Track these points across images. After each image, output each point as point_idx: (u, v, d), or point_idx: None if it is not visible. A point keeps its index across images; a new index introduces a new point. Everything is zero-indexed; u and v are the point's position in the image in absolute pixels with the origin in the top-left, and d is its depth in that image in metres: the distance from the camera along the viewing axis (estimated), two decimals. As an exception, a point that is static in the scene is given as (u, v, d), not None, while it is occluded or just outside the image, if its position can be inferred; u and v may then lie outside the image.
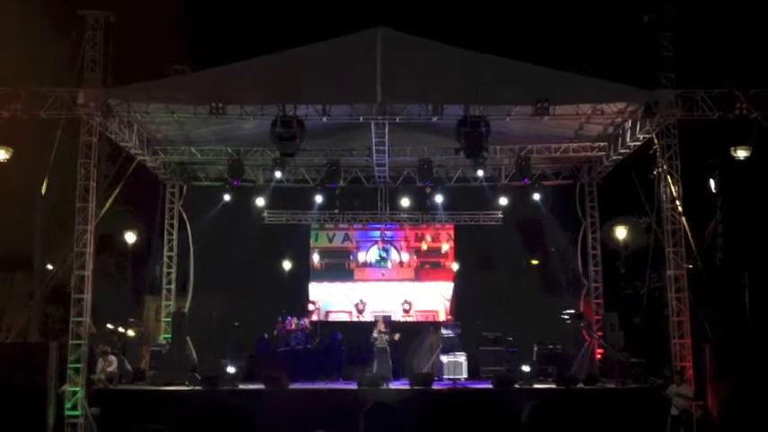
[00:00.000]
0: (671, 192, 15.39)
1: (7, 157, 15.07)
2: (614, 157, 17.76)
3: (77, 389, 14.31)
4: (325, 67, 14.56)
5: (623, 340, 17.89)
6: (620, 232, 22.71)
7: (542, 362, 18.04)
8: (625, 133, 16.63)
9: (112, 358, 16.76)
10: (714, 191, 19.81)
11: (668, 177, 15.39)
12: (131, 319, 21.76)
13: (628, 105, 15.53)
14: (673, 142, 15.43)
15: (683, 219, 15.30)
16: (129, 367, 17.49)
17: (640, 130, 15.75)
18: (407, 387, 15.74)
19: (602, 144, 17.96)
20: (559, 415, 3.67)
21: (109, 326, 20.71)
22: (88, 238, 14.82)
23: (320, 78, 14.52)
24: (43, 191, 15.15)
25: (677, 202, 15.32)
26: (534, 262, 24.91)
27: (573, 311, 20.05)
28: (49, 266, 18.96)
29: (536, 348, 18.47)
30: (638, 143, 16.33)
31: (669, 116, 14.93)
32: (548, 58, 16.22)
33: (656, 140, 15.55)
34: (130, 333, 21.48)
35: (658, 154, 15.56)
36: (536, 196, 19.12)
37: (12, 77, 14.40)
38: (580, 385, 15.85)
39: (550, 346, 18.49)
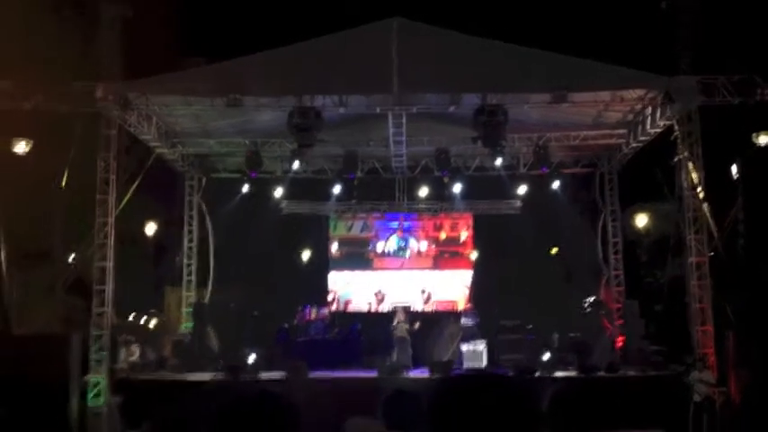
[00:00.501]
0: (692, 178, 15.27)
1: (27, 149, 15.21)
2: (634, 145, 17.63)
3: (100, 378, 14.48)
4: (342, 57, 14.55)
5: (644, 328, 17.80)
6: (641, 220, 22.55)
7: (562, 350, 17.97)
8: (645, 120, 16.49)
9: (135, 348, 16.94)
10: (736, 177, 19.62)
11: (689, 164, 15.27)
12: (153, 310, 21.92)
13: (647, 92, 15.40)
14: (694, 128, 15.31)
15: (705, 205, 15.18)
16: (151, 357, 17.66)
17: (660, 116, 15.60)
18: (427, 375, 15.75)
19: (621, 131, 17.82)
20: (580, 403, 3.66)
21: (131, 317, 20.88)
22: (108, 230, 14.97)
23: (337, 69, 14.52)
24: (63, 183, 15.29)
25: (698, 189, 15.19)
26: (554, 250, 24.81)
27: (593, 299, 19.98)
28: (70, 259, 19.14)
29: (556, 336, 18.42)
30: (659, 130, 16.19)
31: (689, 102, 14.79)
32: (565, 45, 16.09)
33: (676, 127, 15.42)
34: (152, 323, 21.67)
35: (679, 140, 15.44)
36: (555, 184, 19.03)
37: (29, 70, 14.51)
38: (601, 373, 15.81)
39: (570, 335, 18.43)
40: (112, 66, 14.59)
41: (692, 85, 14.57)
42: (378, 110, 15.55)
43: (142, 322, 21.33)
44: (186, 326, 19.49)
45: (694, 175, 15.19)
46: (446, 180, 19.68)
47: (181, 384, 15.25)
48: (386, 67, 13.97)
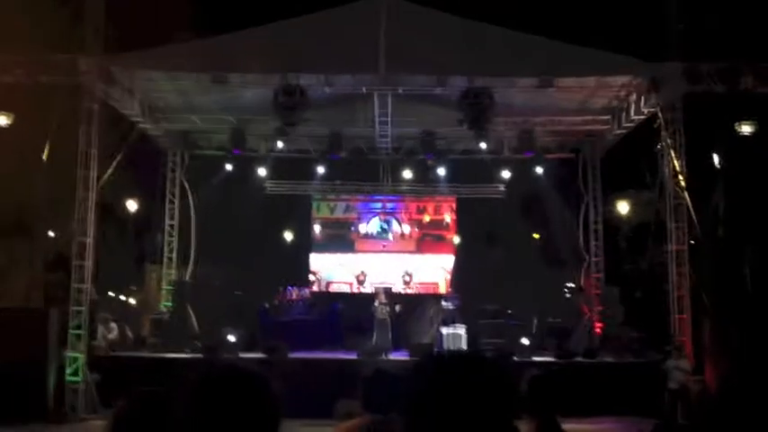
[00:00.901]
0: (674, 166, 15.33)
1: (8, 122, 15.02)
2: (618, 131, 17.69)
3: (79, 355, 14.41)
4: (329, 36, 14.45)
5: (623, 314, 17.94)
6: (623, 207, 22.67)
7: (542, 335, 18.10)
8: (630, 107, 16.54)
9: (113, 325, 16.86)
10: (717, 166, 19.74)
11: (672, 152, 15.32)
12: (133, 288, 21.84)
13: (633, 79, 15.43)
14: (677, 116, 15.35)
15: (686, 194, 15.26)
16: (130, 334, 17.60)
17: (645, 103, 15.66)
18: (407, 358, 15.80)
19: (606, 117, 17.87)
20: (557, 387, 3.68)
21: (110, 293, 20.77)
22: (89, 205, 14.83)
23: (323, 48, 14.42)
24: (44, 157, 15.12)
25: (680, 177, 15.26)
26: (536, 235, 24.89)
27: (573, 285, 20.10)
28: (51, 233, 18.99)
29: (536, 321, 18.53)
30: (643, 117, 16.24)
31: (674, 90, 14.83)
32: (553, 30, 16.08)
33: (660, 114, 15.46)
34: (132, 301, 21.58)
35: (662, 128, 15.49)
36: (539, 169, 19.07)
37: (12, 43, 14.30)
38: (579, 359, 15.93)
39: (550, 320, 18.56)
40: (96, 39, 14.37)
41: (676, 72, 14.60)
42: (364, 90, 15.49)
43: (122, 299, 21.25)
44: (166, 304, 19.41)
45: (676, 163, 15.26)
46: (430, 163, 19.66)
47: (159, 363, 15.20)
48: (373, 47, 13.91)
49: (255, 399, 1.92)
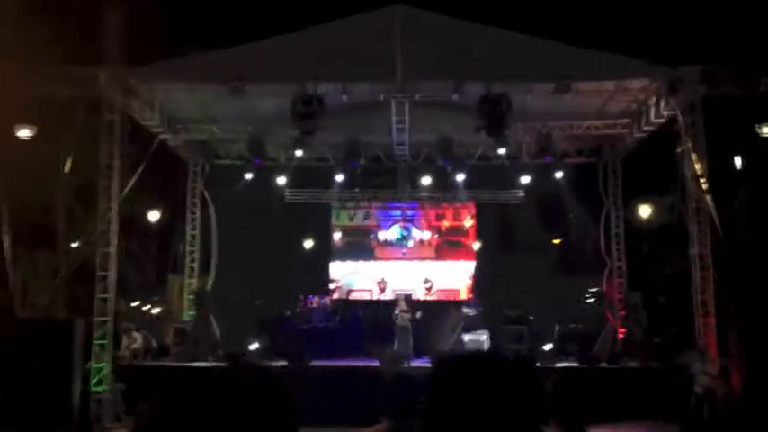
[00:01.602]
0: (695, 169, 15.22)
1: (31, 134, 15.21)
2: (638, 135, 17.58)
3: (103, 365, 14.53)
4: (345, 45, 14.49)
5: (646, 319, 17.80)
6: (644, 211, 22.50)
7: (563, 341, 17.99)
8: (649, 110, 16.44)
9: (137, 335, 16.98)
10: (739, 168, 19.56)
11: (693, 155, 15.22)
12: (155, 297, 21.97)
13: (651, 82, 15.35)
14: (697, 119, 15.24)
15: (708, 197, 15.14)
16: (153, 344, 17.71)
17: (664, 107, 15.56)
18: (428, 365, 15.78)
19: (625, 121, 17.78)
20: (581, 393, 3.65)
21: (133, 303, 20.92)
22: (111, 216, 14.97)
23: (339, 56, 14.47)
24: (66, 169, 15.28)
25: (702, 180, 15.15)
26: (556, 241, 24.78)
27: (595, 291, 19.96)
28: (74, 244, 19.17)
29: (557, 327, 18.43)
30: (662, 120, 16.14)
31: (693, 93, 14.74)
32: (570, 34, 16.04)
33: (680, 117, 15.37)
34: (155, 311, 21.70)
35: (682, 131, 15.39)
36: (558, 174, 18.99)
37: (32, 56, 14.49)
38: (602, 364, 15.82)
39: (572, 325, 18.44)
40: (115, 51, 14.54)
41: (695, 75, 14.52)
42: (381, 97, 15.51)
43: (145, 309, 21.40)
44: (188, 313, 19.53)
45: (697, 166, 15.15)
46: (449, 169, 19.63)
47: (182, 371, 15.29)
48: (389, 55, 13.94)
49: (273, 400, 1.93)
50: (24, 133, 15.28)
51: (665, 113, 15.72)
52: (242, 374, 2.06)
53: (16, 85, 14.29)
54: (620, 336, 18.32)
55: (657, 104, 15.87)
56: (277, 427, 1.90)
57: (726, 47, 15.69)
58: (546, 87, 14.82)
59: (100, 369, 14.50)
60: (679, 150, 15.98)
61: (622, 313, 18.49)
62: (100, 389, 14.39)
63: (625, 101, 16.82)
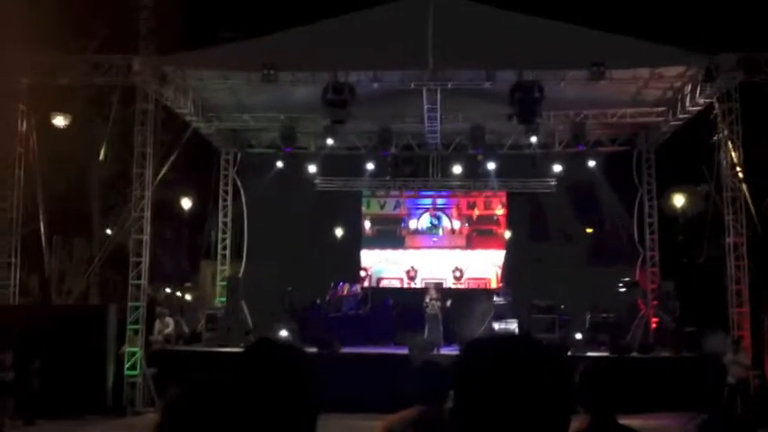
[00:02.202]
0: (731, 158, 14.99)
1: (67, 123, 15.43)
2: (673, 123, 17.33)
3: (136, 349, 14.75)
4: (377, 33, 14.47)
5: (679, 309, 17.60)
6: (678, 200, 22.24)
7: (595, 330, 17.84)
8: (684, 98, 16.20)
9: (169, 320, 17.20)
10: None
11: (729, 143, 14.98)
12: (188, 284, 22.23)
13: (687, 69, 15.11)
14: (734, 106, 15.00)
15: (744, 186, 14.91)
16: (186, 329, 17.93)
17: (700, 94, 15.32)
18: (458, 353, 15.80)
19: (660, 109, 17.52)
20: (612, 382, 3.62)
21: (167, 289, 21.19)
22: (145, 203, 15.15)
23: (371, 44, 14.45)
24: (101, 157, 15.49)
25: (738, 169, 14.92)
26: (589, 230, 24.59)
27: (628, 280, 19.77)
28: (108, 231, 19.45)
29: (589, 316, 18.29)
30: (698, 108, 15.89)
31: (730, 80, 14.50)
32: (604, 21, 15.86)
33: (716, 105, 15.13)
34: (187, 297, 21.97)
35: (719, 119, 15.15)
36: (591, 163, 18.80)
37: (68, 45, 14.69)
38: (634, 354, 15.69)
39: (603, 315, 18.29)
40: (149, 40, 14.67)
41: (732, 62, 14.28)
42: (412, 85, 15.47)
43: (178, 295, 21.66)
44: (220, 300, 19.72)
45: (734, 155, 14.91)
46: (480, 158, 19.54)
47: (214, 357, 15.44)
48: (421, 43, 13.89)
49: (295, 378, 1.96)
50: (60, 122, 15.51)
51: (701, 101, 15.47)
52: (263, 355, 2.08)
53: (52, 75, 14.51)
54: (653, 325, 18.15)
55: (693, 92, 15.63)
56: (299, 406, 1.92)
57: (764, 33, 15.39)
58: (579, 75, 14.68)
59: (133, 354, 14.72)
60: (715, 139, 15.74)
61: (655, 303, 18.30)
62: (133, 373, 14.61)
63: (660, 88, 16.58)
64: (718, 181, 15.72)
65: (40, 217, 16.08)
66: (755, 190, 15.37)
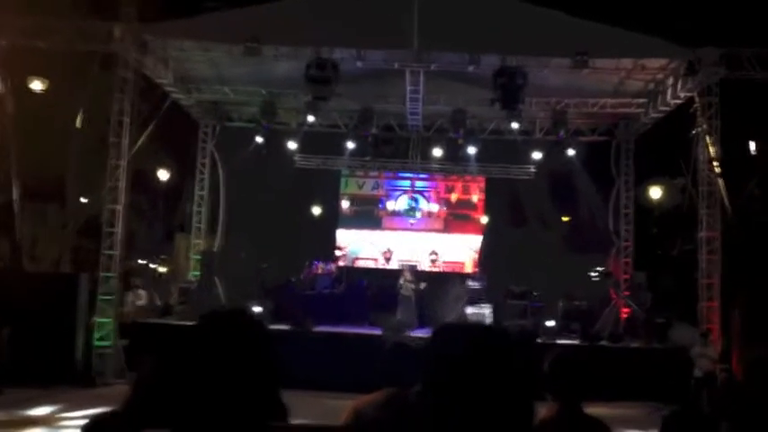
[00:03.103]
0: (709, 152, 15.10)
1: (43, 88, 15.19)
2: (653, 115, 17.42)
3: (107, 320, 14.64)
4: (362, 10, 14.33)
5: (650, 300, 17.77)
6: (655, 192, 22.39)
7: (567, 318, 17.97)
8: (666, 90, 16.28)
9: (142, 292, 17.09)
10: (753, 153, 19.40)
11: (707, 137, 15.08)
12: (162, 256, 22.08)
13: (670, 62, 15.17)
14: (714, 101, 15.09)
15: (720, 180, 15.03)
16: (158, 302, 17.81)
17: (682, 87, 15.40)
18: (428, 337, 15.86)
19: (641, 101, 17.59)
20: (581, 370, 3.63)
21: (140, 261, 21.03)
22: (120, 173, 14.98)
23: (357, 22, 14.31)
24: (78, 124, 15.27)
25: (715, 164, 15.03)
26: (566, 218, 24.73)
27: (602, 269, 19.92)
28: (83, 200, 19.22)
29: (561, 304, 18.42)
30: (679, 101, 15.98)
31: (712, 75, 14.57)
32: (589, 9, 15.82)
33: (697, 99, 15.21)
34: (161, 269, 21.83)
35: (698, 113, 15.24)
36: (570, 152, 18.86)
37: (48, 8, 14.41)
38: (604, 343, 15.83)
39: (576, 303, 18.43)
40: (131, 7, 14.44)
41: (714, 57, 14.35)
42: (396, 65, 15.38)
43: (151, 267, 21.51)
44: (194, 273, 19.61)
45: (711, 149, 15.02)
46: (460, 141, 19.49)
47: (185, 330, 15.35)
48: (406, 23, 13.79)
49: (252, 340, 1.94)
50: (37, 86, 15.26)
51: (682, 94, 15.56)
52: (215, 324, 2.06)
53: (30, 39, 14.25)
54: (624, 315, 18.32)
55: (675, 85, 15.71)
56: (257, 364, 1.91)
57: (747, 29, 15.46)
58: (563, 63, 14.68)
59: (104, 324, 14.60)
60: (693, 132, 15.84)
61: (626, 293, 18.47)
62: (103, 344, 14.50)
63: (642, 80, 16.64)
64: (694, 175, 15.83)
65: (13, 182, 15.85)
66: (731, 185, 15.50)
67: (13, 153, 15.58)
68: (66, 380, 13.74)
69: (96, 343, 14.51)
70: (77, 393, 13.32)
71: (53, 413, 11.48)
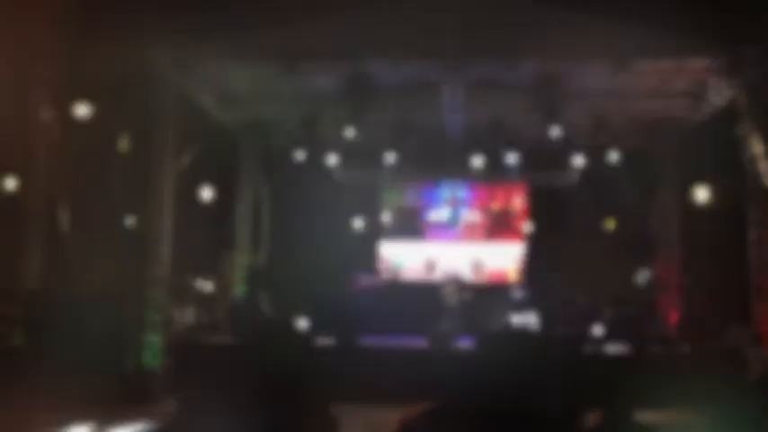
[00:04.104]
0: (756, 151, 14.80)
1: (87, 113, 15.49)
2: (697, 116, 17.15)
3: (155, 339, 14.83)
4: (398, 23, 14.38)
5: (701, 303, 17.44)
6: (701, 194, 21.95)
7: (614, 324, 17.71)
8: (709, 91, 16.01)
9: (190, 310, 17.27)
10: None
11: (754, 136, 14.79)
12: (209, 274, 22.30)
13: (713, 62, 14.92)
14: (760, 100, 14.80)
15: (768, 179, 14.72)
16: (205, 320, 18.00)
17: (725, 87, 15.14)
18: (473, 346, 15.78)
19: (684, 102, 17.33)
20: (632, 377, 3.58)
21: (187, 279, 21.28)
22: (166, 193, 15.21)
23: (393, 35, 14.37)
24: (121, 148, 15.54)
25: (764, 162, 14.73)
26: (610, 224, 24.40)
27: (649, 274, 19.60)
28: (129, 222, 19.52)
29: (608, 310, 18.17)
30: (723, 101, 15.71)
31: (756, 73, 14.30)
32: (628, 12, 15.64)
33: (741, 98, 14.93)
34: (207, 287, 22.04)
35: (744, 112, 14.95)
36: (613, 156, 18.63)
37: (88, 33, 14.72)
38: (653, 348, 15.57)
39: (623, 309, 18.16)
40: (172, 28, 14.67)
41: (759, 55, 14.08)
42: (433, 77, 15.39)
43: (198, 285, 21.75)
44: (240, 290, 19.80)
45: (758, 148, 14.72)
46: (500, 150, 19.43)
47: (233, 348, 15.48)
48: (442, 33, 13.80)
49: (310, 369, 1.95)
50: (80, 111, 15.56)
51: (726, 94, 15.29)
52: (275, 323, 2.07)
53: (71, 64, 14.56)
54: (673, 320, 18.01)
55: (719, 85, 15.44)
56: (306, 378, 1.91)
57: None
58: (603, 67, 14.53)
59: (152, 343, 14.79)
60: (739, 132, 15.54)
61: (676, 297, 18.15)
62: (152, 363, 14.69)
63: (685, 80, 16.39)
64: (742, 174, 15.54)
65: (62, 210, 16.15)
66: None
67: (60, 181, 15.89)
68: (116, 399, 13.92)
69: (145, 362, 14.70)
70: (127, 412, 13.50)
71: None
